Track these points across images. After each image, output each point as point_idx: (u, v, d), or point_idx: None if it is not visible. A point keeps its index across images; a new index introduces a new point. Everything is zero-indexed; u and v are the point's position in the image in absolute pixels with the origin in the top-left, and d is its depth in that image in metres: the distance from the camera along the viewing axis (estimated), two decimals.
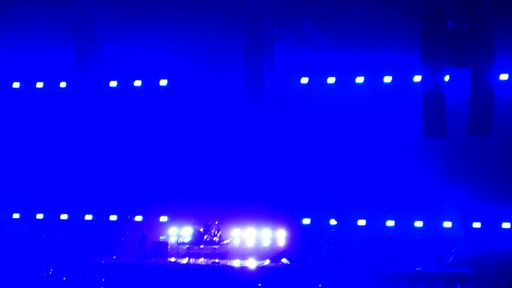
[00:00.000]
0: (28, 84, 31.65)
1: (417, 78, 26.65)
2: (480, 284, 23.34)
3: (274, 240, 29.29)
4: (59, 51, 28.63)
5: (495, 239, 26.95)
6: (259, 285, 24.27)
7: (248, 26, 24.01)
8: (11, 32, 28.19)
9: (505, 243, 26.45)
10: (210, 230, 28.69)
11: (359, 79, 28.88)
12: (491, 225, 27.51)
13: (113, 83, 30.77)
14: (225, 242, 28.74)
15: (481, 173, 27.29)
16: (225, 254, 28.28)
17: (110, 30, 26.69)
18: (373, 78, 28.80)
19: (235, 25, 24.41)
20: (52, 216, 31.64)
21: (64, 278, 25.52)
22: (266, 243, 29.23)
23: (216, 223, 28.82)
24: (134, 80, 30.89)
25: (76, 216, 31.41)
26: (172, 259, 28.05)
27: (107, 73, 28.84)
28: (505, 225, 27.41)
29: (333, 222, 29.26)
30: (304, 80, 29.50)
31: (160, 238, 29.27)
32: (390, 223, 28.69)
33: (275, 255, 28.02)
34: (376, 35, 26.44)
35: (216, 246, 28.46)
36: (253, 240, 29.39)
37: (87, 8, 25.65)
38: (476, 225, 27.71)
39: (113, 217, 31.19)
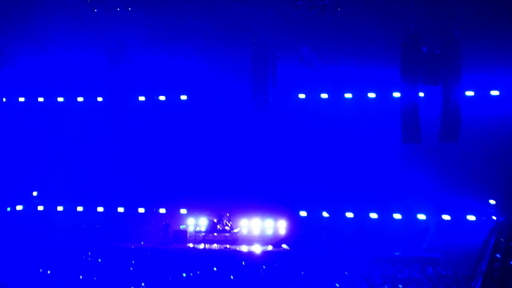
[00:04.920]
0: (70, 99, 31.60)
1: (397, 94, 26.51)
2: (449, 267, 23.15)
3: (276, 229, 29.27)
4: (96, 71, 28.59)
5: (462, 229, 26.97)
6: (264, 267, 24.12)
7: (255, 50, 23.98)
8: (54, 54, 28.19)
9: (470, 232, 26.32)
10: (222, 221, 28.59)
11: (348, 95, 28.88)
12: (458, 217, 27.58)
13: (141, 98, 30.73)
14: (235, 230, 28.59)
15: (450, 174, 27.27)
16: (235, 240, 28.19)
17: (139, 53, 26.70)
18: (359, 94, 28.80)
19: (244, 49, 24.37)
20: (90, 208, 31.65)
21: (99, 260, 25.47)
22: (269, 232, 29.18)
23: (228, 214, 28.68)
24: (159, 95, 30.86)
25: (110, 209, 31.44)
26: (191, 245, 28.02)
27: (136, 89, 28.93)
28: (470, 217, 27.44)
29: (325, 214, 29.22)
30: (302, 95, 29.52)
31: (180, 227, 29.12)
32: (374, 215, 28.66)
33: (277, 242, 27.96)
34: (362, 58, 26.46)
35: (227, 234, 28.36)
36: (258, 229, 29.34)
37: (120, 35, 25.69)
38: (446, 217, 27.76)
39: (141, 210, 31.15)
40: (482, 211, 27.28)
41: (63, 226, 30.45)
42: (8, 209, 32.28)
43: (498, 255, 18.88)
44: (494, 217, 26.72)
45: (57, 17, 25.59)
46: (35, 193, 32.19)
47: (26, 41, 27.09)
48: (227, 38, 26.31)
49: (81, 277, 22.53)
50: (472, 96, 27.11)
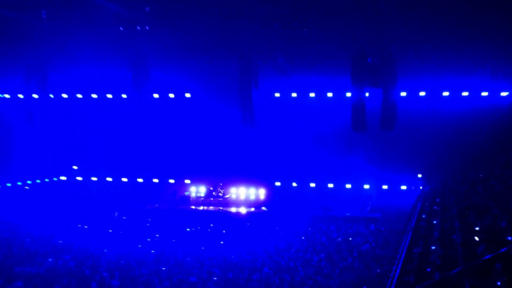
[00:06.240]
0: (101, 95, 31.76)
1: (348, 94, 26.84)
2: (386, 224, 23.57)
3: (257, 195, 29.52)
4: (121, 74, 28.34)
5: (396, 196, 27.58)
6: (248, 223, 24.47)
7: (242, 60, 23.84)
8: (88, 60, 28.11)
9: (402, 198, 26.92)
10: (217, 189, 29.05)
11: (312, 94, 29.19)
12: (393, 187, 28.19)
13: (156, 95, 30.90)
14: (226, 196, 29.03)
15: (388, 155, 27.73)
16: (226, 203, 28.57)
17: (154, 60, 26.64)
18: (321, 94, 29.09)
19: (234, 59, 24.28)
20: (117, 179, 32.08)
21: (124, 218, 25.66)
22: (252, 197, 29.44)
23: (221, 184, 29.16)
24: (169, 93, 31.00)
25: (132, 179, 31.86)
26: (193, 207, 28.41)
27: (152, 89, 29.04)
28: (403, 187, 28.07)
29: (294, 184, 29.73)
30: (277, 94, 29.77)
31: (185, 193, 29.51)
32: (330, 185, 29.16)
33: (258, 205, 28.40)
34: (323, 66, 26.54)
35: (220, 199, 28.80)
36: (244, 195, 29.54)
37: (140, 46, 25.53)
38: (384, 187, 28.35)
39: (155, 180, 31.54)
40: (412, 182, 27.93)
41: (96, 193, 30.83)
42: (55, 179, 32.52)
43: (423, 216, 19.45)
44: (421, 187, 27.29)
45: (92, 34, 25.48)
46: (75, 167, 32.61)
47: (68, 53, 26.93)
48: (221, 50, 26.24)
49: (110, 230, 22.75)
50: (405, 96, 27.50)
